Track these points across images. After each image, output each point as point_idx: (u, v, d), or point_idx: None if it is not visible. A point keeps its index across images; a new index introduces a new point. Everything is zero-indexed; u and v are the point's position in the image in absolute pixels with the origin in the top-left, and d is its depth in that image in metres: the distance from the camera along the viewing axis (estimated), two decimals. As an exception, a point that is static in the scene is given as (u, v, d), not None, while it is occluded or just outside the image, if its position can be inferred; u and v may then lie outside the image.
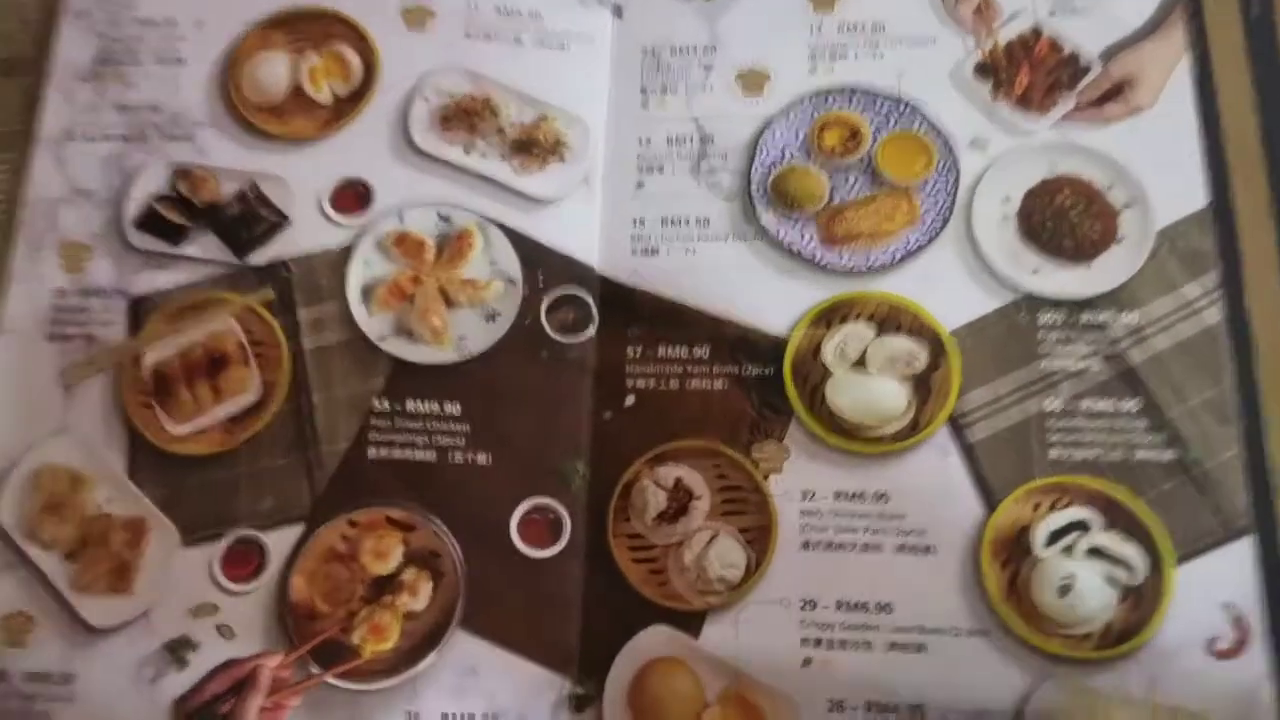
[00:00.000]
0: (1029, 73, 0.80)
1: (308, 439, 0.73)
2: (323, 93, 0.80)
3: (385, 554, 0.70)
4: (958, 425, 0.72)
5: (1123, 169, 0.76)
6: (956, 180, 0.78)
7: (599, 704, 0.69)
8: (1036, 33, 0.81)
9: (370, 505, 0.72)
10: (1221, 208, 0.75)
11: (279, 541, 0.71)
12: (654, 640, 0.70)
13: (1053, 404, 0.72)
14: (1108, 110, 0.78)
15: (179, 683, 0.68)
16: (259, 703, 0.64)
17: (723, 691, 0.69)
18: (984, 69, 0.80)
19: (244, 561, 0.71)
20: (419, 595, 0.70)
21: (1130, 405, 0.72)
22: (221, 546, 0.71)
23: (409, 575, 0.70)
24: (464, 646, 0.70)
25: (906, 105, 0.80)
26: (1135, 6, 0.80)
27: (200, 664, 0.68)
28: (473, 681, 0.69)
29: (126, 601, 0.70)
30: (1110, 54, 0.79)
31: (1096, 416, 0.72)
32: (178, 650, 0.69)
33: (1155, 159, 0.76)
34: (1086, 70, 0.79)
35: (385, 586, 0.70)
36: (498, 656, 0.70)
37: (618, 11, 0.84)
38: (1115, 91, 0.79)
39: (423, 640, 0.70)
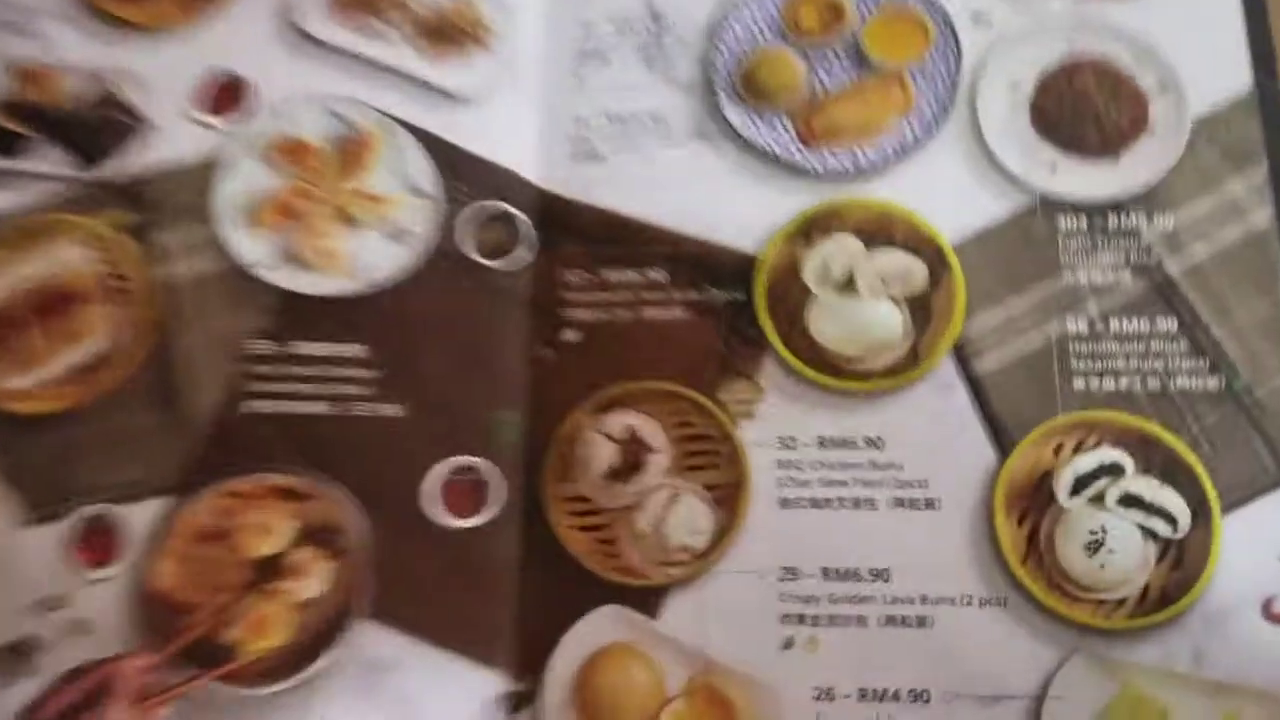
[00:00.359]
0: (1041, -67, 0.67)
1: (175, 391, 0.60)
2: (190, -31, 0.66)
3: (271, 530, 0.57)
4: (964, 355, 0.60)
5: (1152, 48, 0.64)
6: (958, 62, 0.65)
7: (539, 702, 0.57)
8: (1049, -115, 0.68)
9: (252, 471, 0.59)
10: (1269, 92, 0.63)
11: (142, 518, 0.58)
12: (604, 624, 0.58)
13: (1076, 325, 0.60)
14: (1135, -25, 0.66)
15: (23, 693, 0.55)
16: (121, 714, 0.52)
17: (688, 682, 0.57)
18: (987, -70, 0.67)
19: (100, 543, 0.58)
20: (312, 579, 0.57)
21: (1167, 325, 0.60)
22: (73, 525, 0.58)
23: (300, 556, 0.57)
24: (373, 640, 0.57)
25: (896, -25, 0.67)
26: None
27: (50, 669, 0.56)
28: (384, 681, 0.57)
29: (-47, 597, 0.57)
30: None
31: (1128, 339, 0.60)
32: (22, 653, 0.57)
33: (1189, 36, 0.65)
34: (1109, -74, 0.66)
35: (271, 571, 0.57)
36: (415, 651, 0.57)
37: None
38: (1143, -44, 0.66)
39: (321, 634, 0.57)
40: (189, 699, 0.55)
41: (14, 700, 0.55)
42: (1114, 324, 0.61)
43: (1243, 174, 0.62)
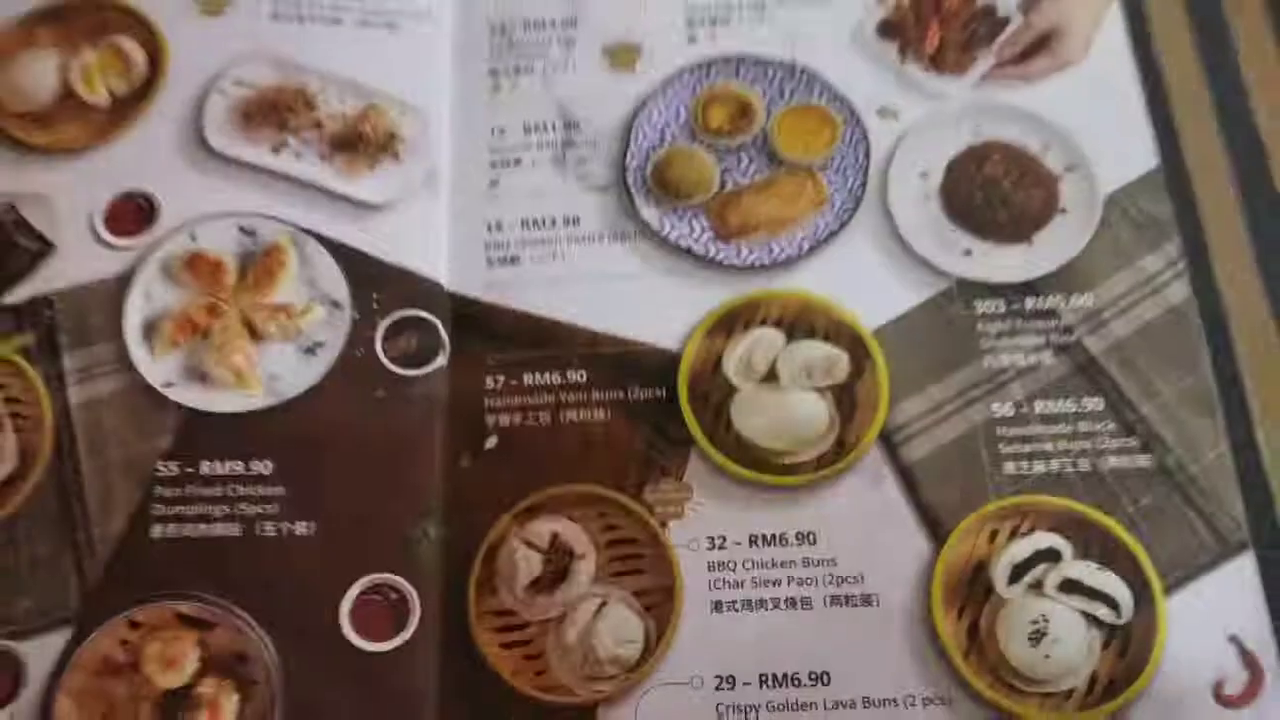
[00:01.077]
0: (940, 28, 0.68)
1: (75, 518, 0.57)
2: (99, 94, 0.66)
3: (176, 661, 0.54)
4: (891, 443, 0.59)
5: (1058, 129, 0.65)
6: (867, 154, 0.66)
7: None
8: (945, -18, 0.70)
9: (156, 599, 0.56)
10: (1174, 167, 0.64)
11: (40, 653, 0.55)
12: (532, 746, 0.55)
13: (1002, 408, 0.60)
14: (1034, 66, 0.67)
15: None
16: None
17: (622, 805, 0.54)
18: (888, 28, 0.69)
19: (-4, 683, 0.54)
20: (221, 713, 0.54)
21: (1093, 404, 0.60)
22: (-40, 667, 0.55)
23: (207, 688, 0.54)
24: (285, 775, 0.54)
25: (802, 73, 0.68)
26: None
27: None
28: (298, 821, 0.53)
29: None
30: (1030, 3, 0.69)
31: (1055, 420, 0.59)
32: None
33: (1094, 117, 0.66)
34: (1005, 22, 0.68)
35: (178, 705, 0.54)
36: (330, 784, 0.54)
37: (460, -14, 0.71)
38: (1040, 45, 0.68)
39: (230, 771, 0.53)
40: None
41: None
42: (1039, 405, 0.60)
43: (1157, 249, 0.63)
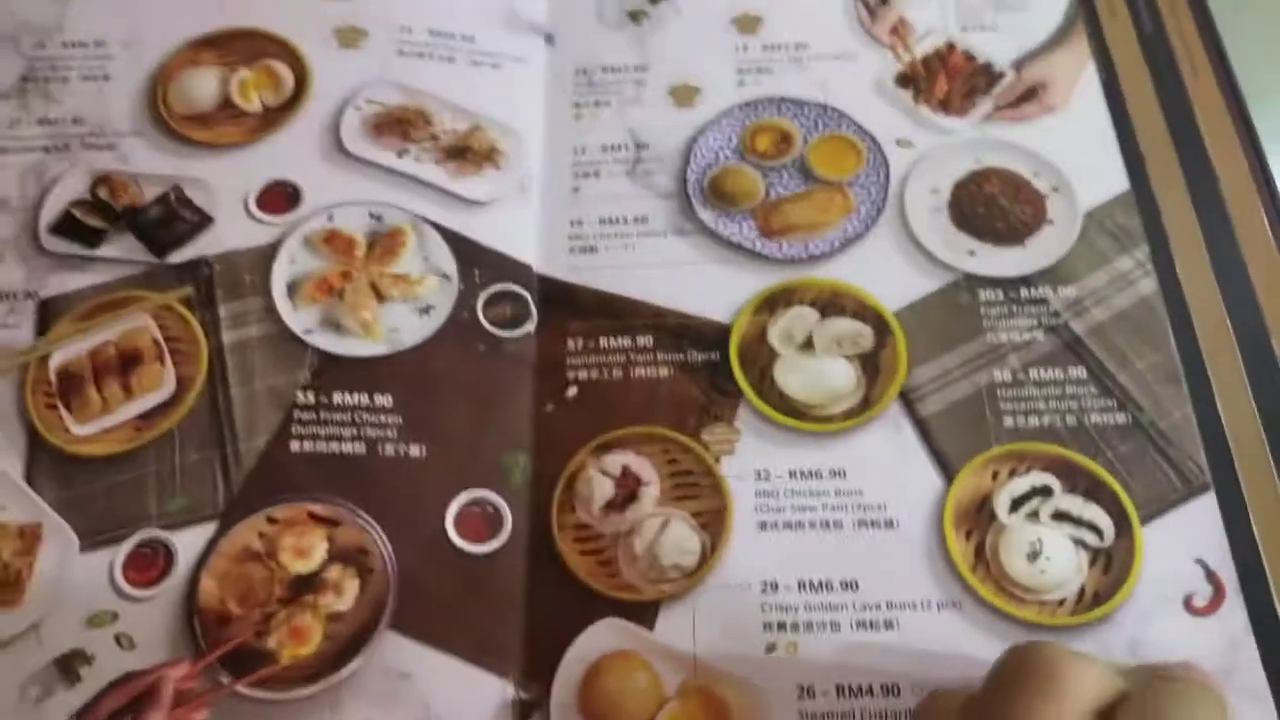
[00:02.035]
0: (947, 80, 0.83)
1: (224, 434, 0.68)
2: (253, 103, 0.80)
3: (307, 551, 0.64)
4: (909, 400, 0.71)
5: (1044, 159, 0.79)
6: (887, 174, 0.79)
7: (546, 708, 0.62)
8: (951, 46, 0.85)
9: (292, 500, 0.66)
10: (1141, 189, 0.78)
11: (189, 542, 0.65)
12: (605, 635, 0.64)
13: (1001, 375, 0.71)
14: (1025, 110, 0.82)
15: (70, 702, 0.60)
16: (163, 717, 0.57)
17: (682, 685, 0.63)
18: (904, 79, 0.84)
19: (149, 565, 0.64)
20: (344, 594, 0.63)
21: (1078, 373, 0.71)
22: (124, 549, 0.64)
23: (333, 573, 0.64)
24: (395, 650, 0.63)
25: (833, 110, 0.82)
26: (1041, 21, 0.85)
27: (95, 679, 0.60)
28: (405, 687, 0.62)
29: (13, 615, 0.62)
30: (1021, 63, 0.83)
31: (1046, 384, 0.71)
32: (70, 665, 0.61)
33: (1074, 150, 0.79)
34: (1001, 76, 0.83)
35: (306, 587, 0.64)
36: (432, 660, 0.63)
37: (549, 39, 0.86)
38: (1030, 94, 0.82)
39: (348, 644, 0.63)
40: (228, 702, 0.60)
41: (64, 707, 0.59)
42: (1033, 373, 0.71)
43: (1129, 253, 0.75)
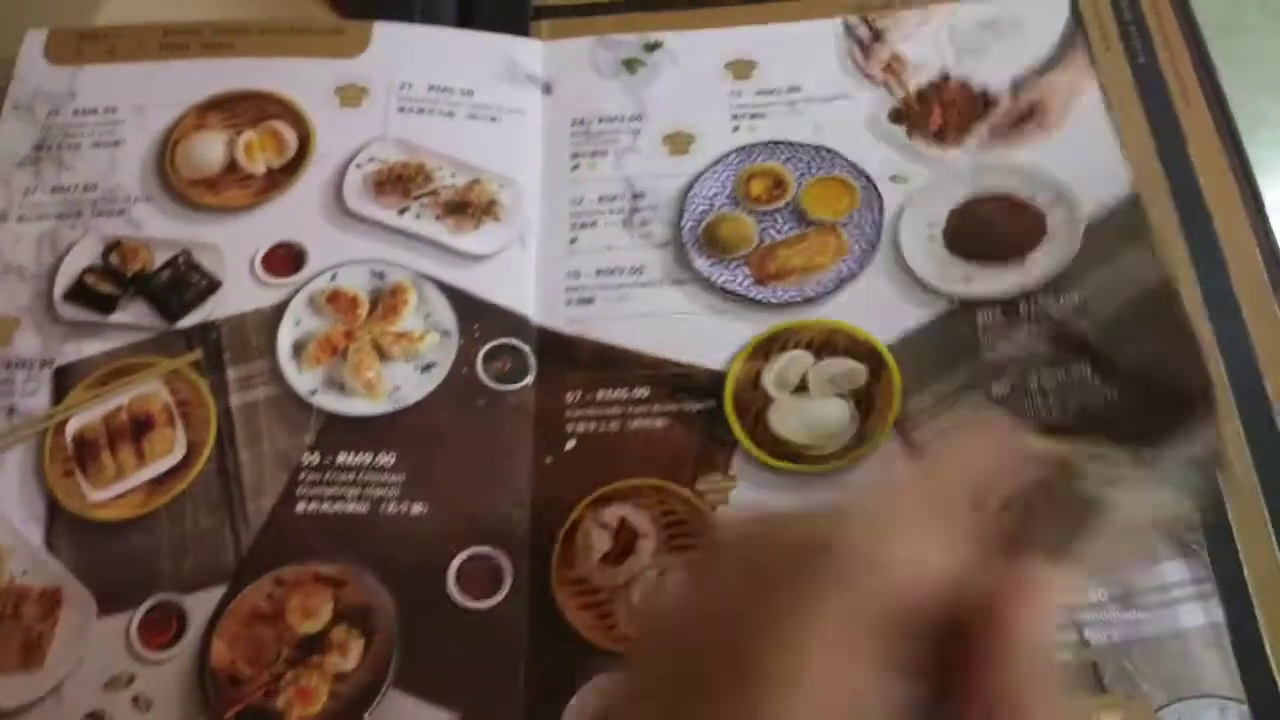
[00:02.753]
0: (942, 112, 0.83)
1: (233, 497, 0.70)
2: (257, 165, 0.82)
3: (313, 612, 0.66)
4: (903, 430, 0.71)
5: (1043, 175, 0.79)
6: (881, 211, 0.80)
7: (548, 761, 0.64)
8: (945, 78, 0.85)
9: (298, 562, 0.68)
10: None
11: (200, 604, 0.67)
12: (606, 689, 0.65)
13: (999, 389, 0.71)
14: (1022, 131, 0.82)
15: (87, 764, 0.62)
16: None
17: (680, 737, 0.64)
18: (898, 115, 0.84)
19: (162, 627, 0.66)
20: (349, 654, 0.65)
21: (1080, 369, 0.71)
22: (139, 613, 0.67)
23: (338, 633, 0.66)
24: (398, 707, 0.65)
25: (826, 151, 0.83)
26: (1035, 42, 0.85)
27: (113, 741, 0.63)
28: (409, 744, 0.64)
29: (36, 678, 0.65)
30: (1017, 86, 0.83)
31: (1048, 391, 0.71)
32: (90, 727, 0.64)
33: (1072, 165, 0.79)
34: (997, 101, 0.83)
35: (313, 647, 0.66)
36: (436, 716, 0.65)
37: (547, 89, 0.88)
38: (1027, 116, 0.82)
39: (353, 702, 0.65)
40: (237, 760, 0.62)
41: (81, 768, 0.62)
42: (1033, 382, 0.71)
43: (1133, 248, 0.75)
